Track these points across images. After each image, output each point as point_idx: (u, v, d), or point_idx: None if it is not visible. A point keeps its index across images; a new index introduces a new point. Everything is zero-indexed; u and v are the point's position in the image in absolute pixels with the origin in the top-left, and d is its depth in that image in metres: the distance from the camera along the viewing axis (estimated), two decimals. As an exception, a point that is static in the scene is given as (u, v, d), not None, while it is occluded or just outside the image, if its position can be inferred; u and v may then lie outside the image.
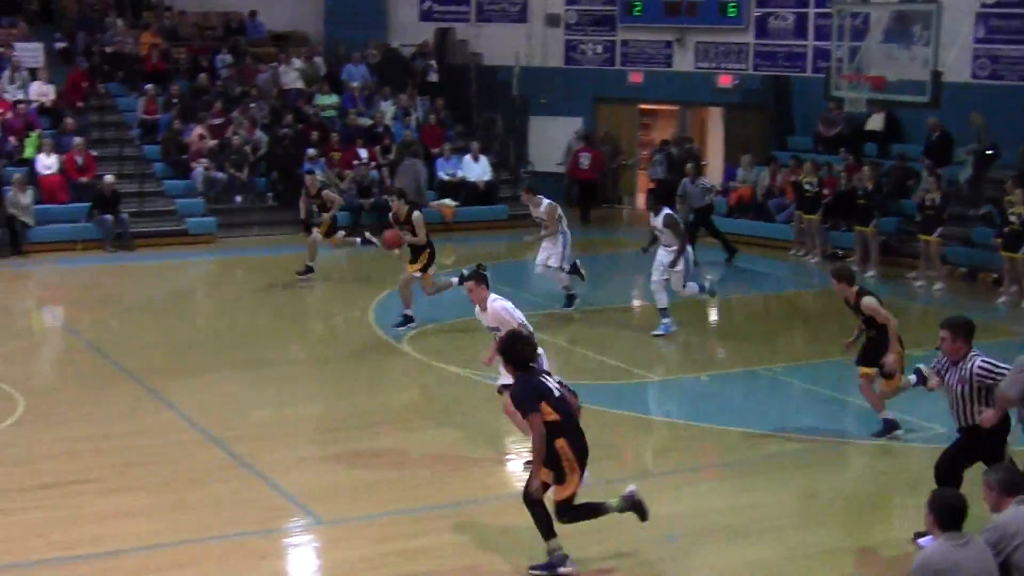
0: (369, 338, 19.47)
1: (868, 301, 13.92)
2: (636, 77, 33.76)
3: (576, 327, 20.22)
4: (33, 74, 30.20)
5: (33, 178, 27.12)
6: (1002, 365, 10.79)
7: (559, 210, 20.85)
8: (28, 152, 27.88)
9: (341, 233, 23.44)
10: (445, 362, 17.88)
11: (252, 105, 31.08)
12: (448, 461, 13.71)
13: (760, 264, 26.70)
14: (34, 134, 28.20)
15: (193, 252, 26.83)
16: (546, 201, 20.84)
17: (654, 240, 19.68)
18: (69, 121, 28.81)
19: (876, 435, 14.25)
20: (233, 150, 29.43)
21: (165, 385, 16.40)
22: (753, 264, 26.66)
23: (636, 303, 21.74)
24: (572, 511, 10.52)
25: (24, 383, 16.42)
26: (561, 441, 10.23)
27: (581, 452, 10.36)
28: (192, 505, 12.22)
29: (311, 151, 29.63)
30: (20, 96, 29.53)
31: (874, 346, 14.02)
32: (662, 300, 19.29)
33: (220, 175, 29.08)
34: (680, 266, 19.07)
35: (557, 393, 10.40)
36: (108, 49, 32.28)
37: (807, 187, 26.76)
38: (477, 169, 31.05)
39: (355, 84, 33.06)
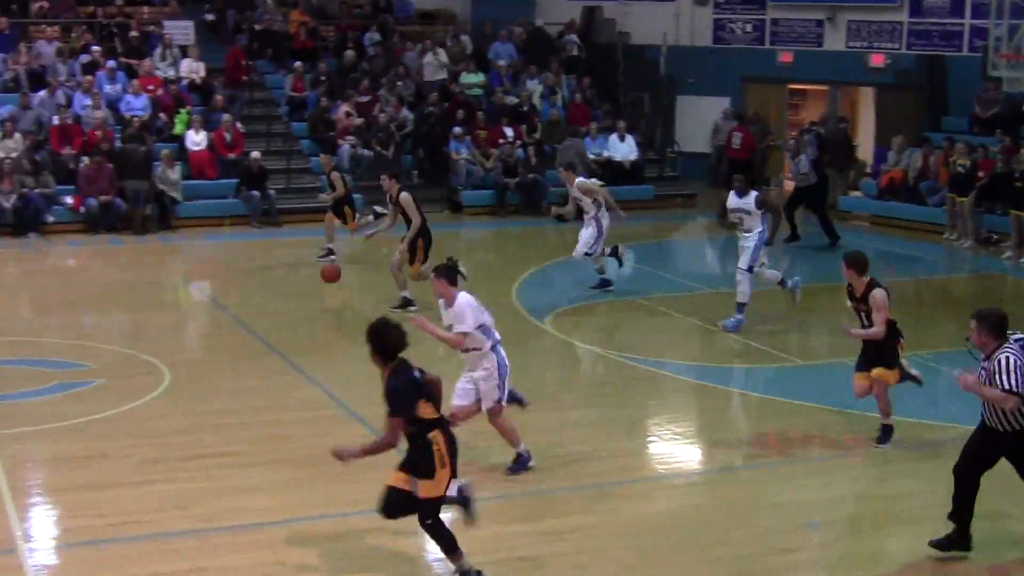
0: (512, 317, 19.35)
1: (879, 295, 13.10)
2: (786, 56, 33.30)
3: (722, 309, 19.92)
4: (183, 51, 30.61)
5: (182, 154, 27.51)
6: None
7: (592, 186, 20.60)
8: (178, 128, 28.27)
9: (366, 219, 23.03)
10: (587, 342, 17.74)
11: (399, 83, 31.18)
12: (589, 442, 13.57)
13: (912, 248, 26.13)
14: (184, 111, 28.58)
15: (338, 229, 26.92)
16: (579, 179, 20.63)
17: (724, 221, 18.98)
18: (218, 98, 29.12)
19: (879, 441, 13.54)
20: (379, 128, 29.53)
21: (308, 360, 16.47)
22: (904, 248, 26.11)
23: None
24: (436, 520, 9.84)
25: (170, 356, 16.59)
26: (436, 433, 9.75)
27: (452, 445, 9.86)
28: (332, 480, 12.19)
29: (457, 129, 29.63)
30: (171, 73, 29.96)
31: (874, 347, 13.34)
32: (744, 293, 18.45)
33: (366, 152, 29.20)
34: (755, 245, 18.33)
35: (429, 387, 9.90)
36: (257, 27, 32.60)
37: (960, 169, 26.10)
38: (623, 148, 30.78)
39: (502, 62, 32.99)
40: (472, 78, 32.28)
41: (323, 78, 30.93)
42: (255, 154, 27.37)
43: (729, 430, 14.41)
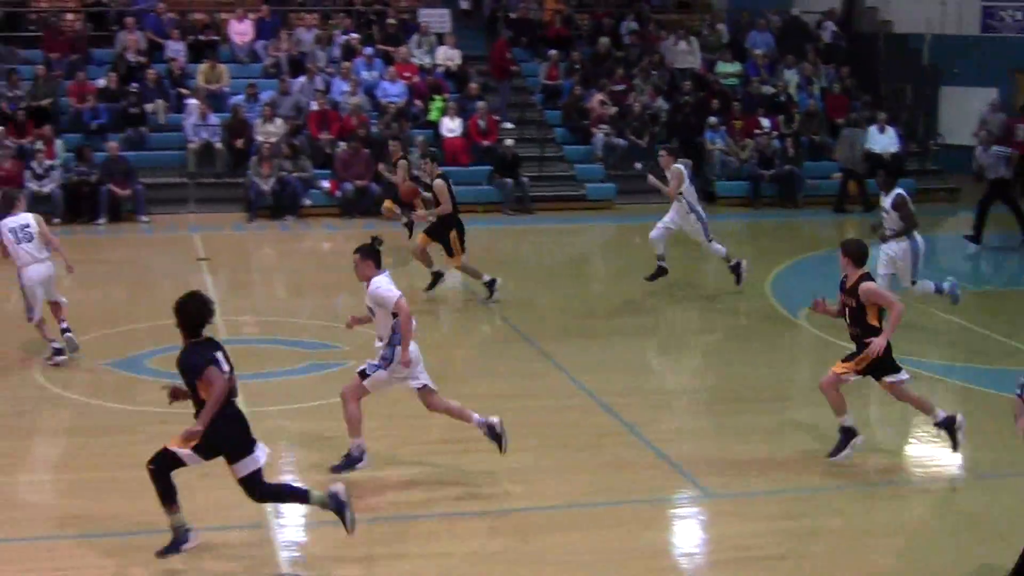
0: (765, 310, 19.00)
1: (868, 286, 12.06)
2: (1060, 45, 31.97)
3: (984, 309, 19.17)
4: (440, 39, 30.91)
5: (437, 140, 27.73)
6: None
7: (686, 181, 19.42)
8: (433, 115, 28.58)
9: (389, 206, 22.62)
10: (843, 339, 17.17)
11: (654, 72, 30.91)
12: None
13: None
14: (439, 98, 28.84)
15: (591, 217, 26.88)
16: (675, 165, 19.48)
17: (880, 224, 17.58)
18: (473, 85, 29.30)
19: (833, 452, 12.46)
20: (634, 117, 29.32)
21: (558, 349, 16.37)
22: None
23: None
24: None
25: (419, 340, 16.60)
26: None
27: (235, 424, 9.76)
28: (580, 469, 12.10)
29: (712, 119, 29.23)
30: (427, 60, 30.27)
31: (858, 348, 12.33)
32: None
33: (620, 141, 29.05)
34: (904, 258, 17.20)
35: (225, 375, 9.60)
36: (512, 15, 32.71)
37: None
38: (883, 140, 29.86)
39: (758, 51, 32.43)
40: (728, 67, 31.83)
41: (577, 66, 30.87)
42: (509, 142, 27.48)
43: (995, 434, 13.73)
